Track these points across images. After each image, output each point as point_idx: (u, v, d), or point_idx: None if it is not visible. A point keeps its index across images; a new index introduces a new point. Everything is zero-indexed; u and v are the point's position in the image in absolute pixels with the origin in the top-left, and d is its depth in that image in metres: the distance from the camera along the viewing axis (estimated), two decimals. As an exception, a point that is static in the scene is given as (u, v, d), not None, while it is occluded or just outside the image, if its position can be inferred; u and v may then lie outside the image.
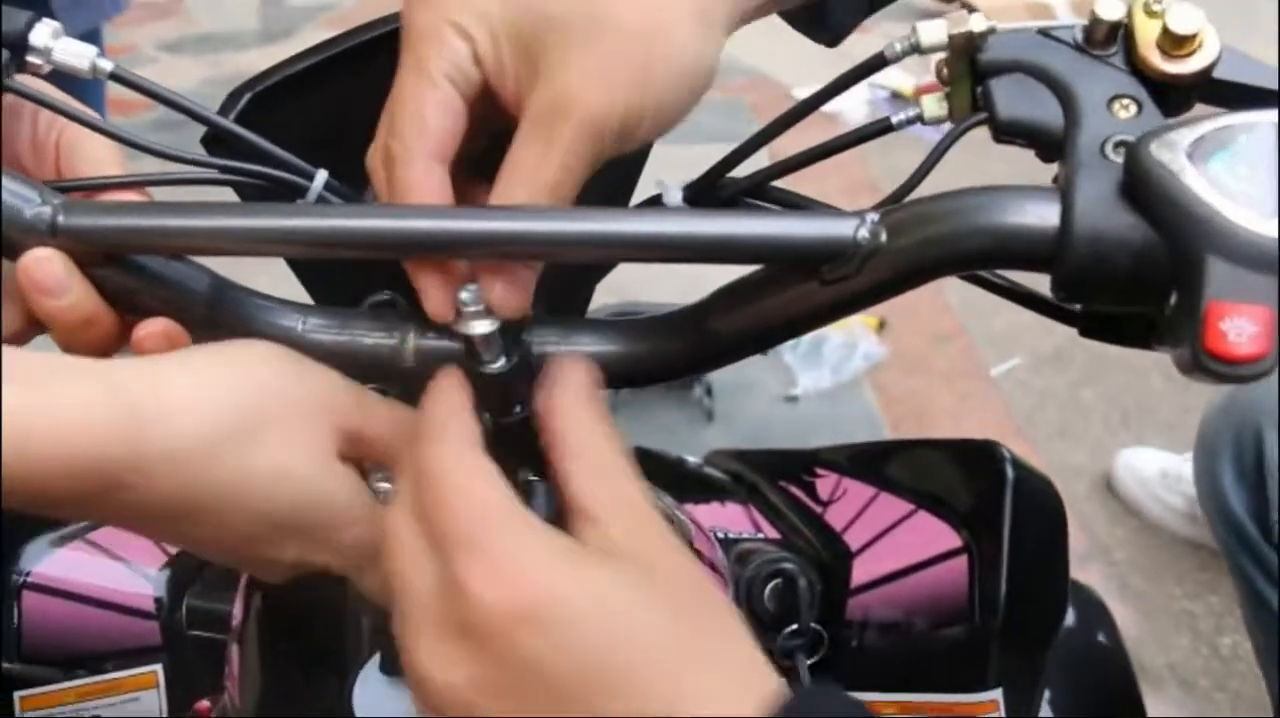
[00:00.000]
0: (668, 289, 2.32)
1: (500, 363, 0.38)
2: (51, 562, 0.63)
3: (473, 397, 0.38)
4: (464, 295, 0.37)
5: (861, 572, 0.61)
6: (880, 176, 2.66)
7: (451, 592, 0.32)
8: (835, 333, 2.22)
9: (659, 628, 0.32)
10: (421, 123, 0.38)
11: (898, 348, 2.26)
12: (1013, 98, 0.38)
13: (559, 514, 0.35)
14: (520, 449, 0.38)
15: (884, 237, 0.36)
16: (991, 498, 0.58)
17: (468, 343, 0.38)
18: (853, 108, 2.81)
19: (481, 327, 0.38)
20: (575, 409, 0.36)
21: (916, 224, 0.36)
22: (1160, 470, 1.76)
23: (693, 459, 0.85)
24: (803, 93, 0.43)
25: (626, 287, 1.94)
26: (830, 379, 2.18)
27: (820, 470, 0.71)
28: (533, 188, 0.37)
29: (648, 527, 0.34)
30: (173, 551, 0.68)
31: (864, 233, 0.36)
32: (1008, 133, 0.38)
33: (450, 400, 0.37)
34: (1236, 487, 1.04)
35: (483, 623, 0.31)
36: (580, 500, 0.34)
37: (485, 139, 0.40)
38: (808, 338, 2.17)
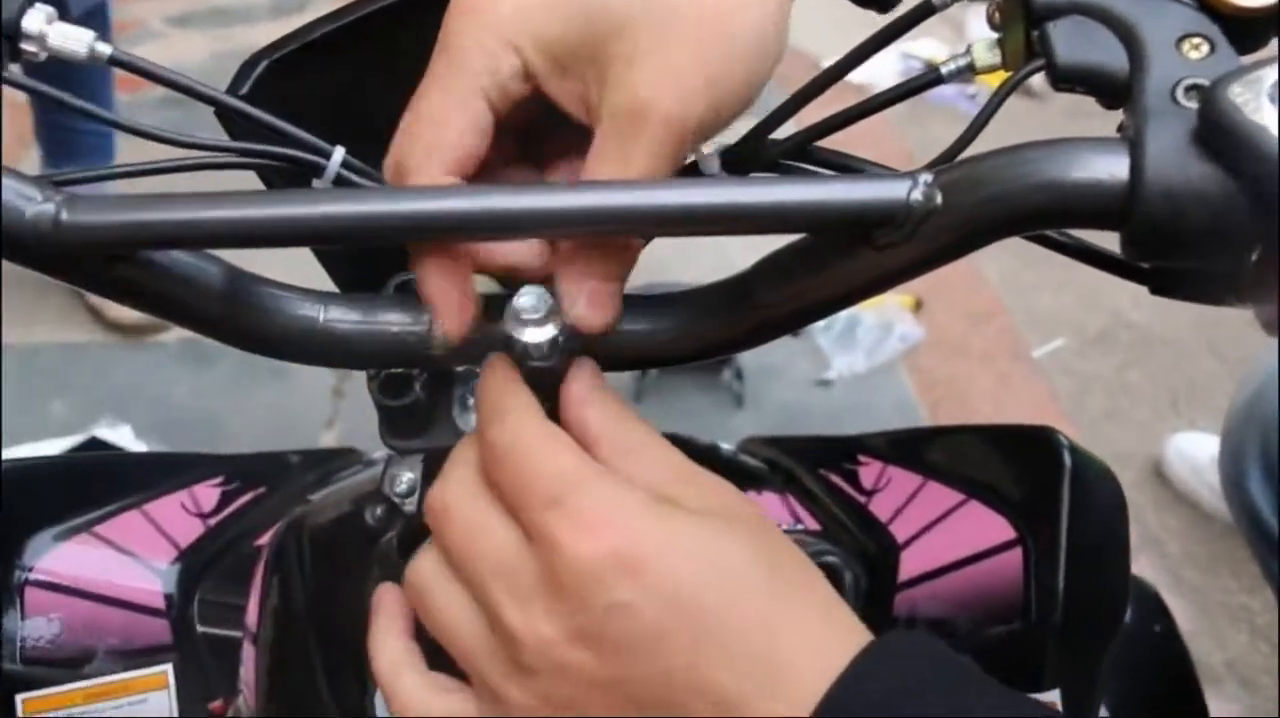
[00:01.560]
0: (697, 266, 2.31)
1: (552, 360, 0.38)
2: (55, 556, 0.63)
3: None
4: (522, 302, 0.37)
5: (909, 565, 0.59)
6: (917, 148, 2.63)
7: (539, 550, 0.34)
8: (870, 314, 2.21)
9: (750, 573, 0.33)
10: (443, 143, 0.37)
11: (935, 329, 2.24)
12: (1072, 41, 0.37)
13: None
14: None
15: (939, 198, 0.35)
16: (1048, 487, 0.56)
17: (516, 342, 0.38)
18: (885, 79, 2.78)
19: (538, 334, 0.37)
20: (608, 411, 0.38)
21: (973, 183, 0.35)
22: (1213, 456, 1.73)
23: (726, 446, 0.83)
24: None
25: (652, 265, 1.92)
26: (865, 362, 2.16)
27: (862, 458, 0.70)
28: None
29: (719, 486, 0.37)
30: (183, 543, 0.67)
31: (918, 194, 0.35)
32: (1068, 80, 0.37)
33: (504, 382, 0.38)
34: (1263, 487, 1.03)
35: (574, 574, 0.32)
36: (648, 485, 0.36)
37: (538, 129, 0.40)
38: (841, 318, 2.16)
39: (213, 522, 0.70)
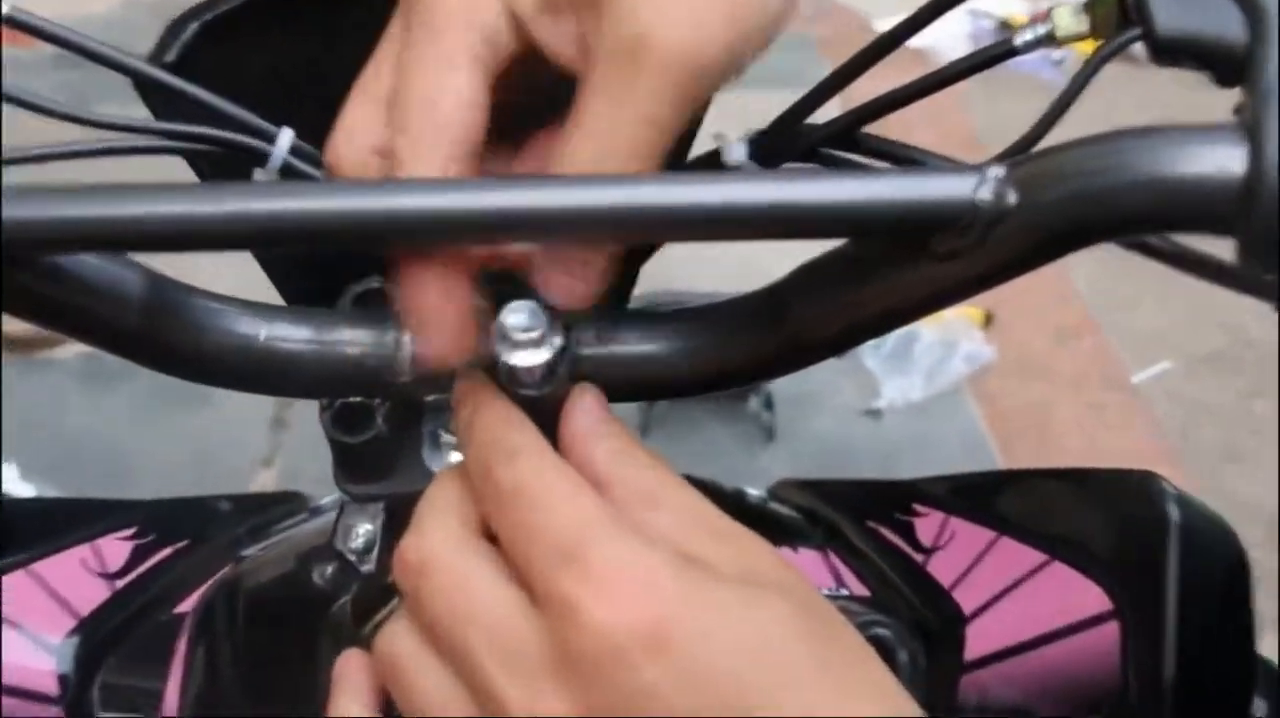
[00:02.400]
0: (714, 272, 2.32)
1: (546, 389, 0.39)
2: (-74, 629, 0.63)
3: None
4: (512, 319, 0.38)
5: (978, 641, 0.60)
6: (986, 129, 2.65)
7: (548, 616, 0.34)
8: (929, 329, 2.22)
9: (794, 652, 0.34)
10: (437, 118, 0.37)
11: (1010, 347, 2.25)
12: (1176, 6, 0.37)
13: None
14: None
15: (1012, 196, 0.35)
16: (1150, 546, 0.57)
17: (503, 366, 0.39)
18: (950, 43, 2.80)
19: (531, 357, 0.38)
20: (611, 444, 0.38)
21: (1054, 179, 0.35)
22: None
23: (754, 491, 0.84)
24: (884, 26, 0.43)
25: (662, 270, 1.93)
26: (923, 388, 2.17)
27: (920, 507, 0.70)
28: (605, 150, 0.37)
29: (754, 544, 0.37)
30: (83, 610, 0.68)
31: (986, 192, 0.35)
32: (1169, 52, 0.37)
33: (503, 413, 0.38)
34: None
35: (593, 647, 0.33)
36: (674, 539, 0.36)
37: (517, 107, 0.40)
38: (894, 335, 2.17)
39: (121, 584, 0.71)
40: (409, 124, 0.37)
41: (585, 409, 0.39)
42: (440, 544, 0.37)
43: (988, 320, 2.28)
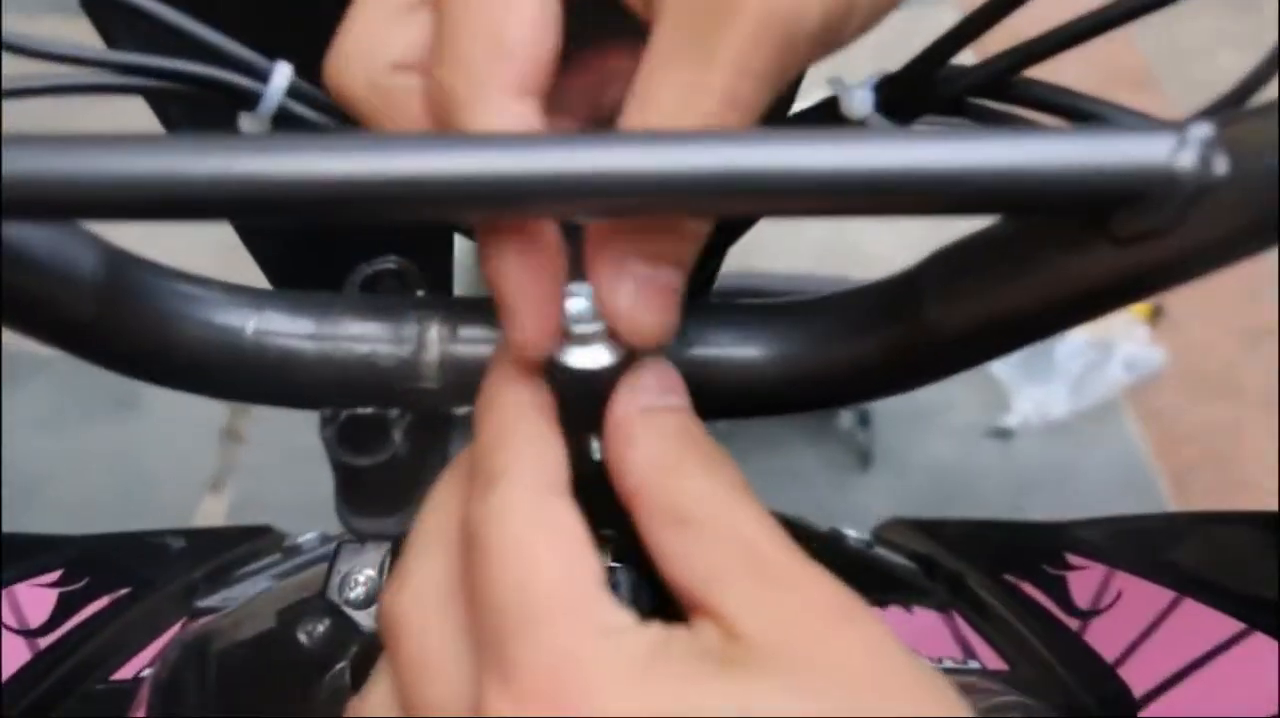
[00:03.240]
0: (800, 250, 2.31)
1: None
2: None
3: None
4: (571, 306, 0.38)
5: (1154, 733, 0.60)
6: (1157, 62, 2.62)
7: (479, 711, 0.34)
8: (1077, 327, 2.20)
9: None
10: (501, 46, 0.38)
11: (1184, 352, 2.23)
12: None
13: (662, 606, 0.37)
14: (603, 493, 0.39)
15: (1222, 164, 0.36)
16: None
17: (556, 365, 0.39)
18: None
19: (592, 357, 0.38)
20: (661, 445, 0.38)
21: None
22: None
23: (854, 533, 0.84)
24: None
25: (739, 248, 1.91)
26: (1068, 401, 2.16)
27: (1074, 558, 0.70)
28: (683, 120, 0.37)
29: (796, 598, 0.35)
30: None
31: (1189, 157, 0.36)
32: None
33: (505, 413, 0.39)
34: None
35: None
36: (686, 583, 0.36)
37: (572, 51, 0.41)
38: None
39: (44, 643, 0.72)
40: (467, 59, 0.38)
41: (639, 390, 0.39)
42: (413, 601, 0.38)
43: (1155, 316, 2.26)
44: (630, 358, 0.39)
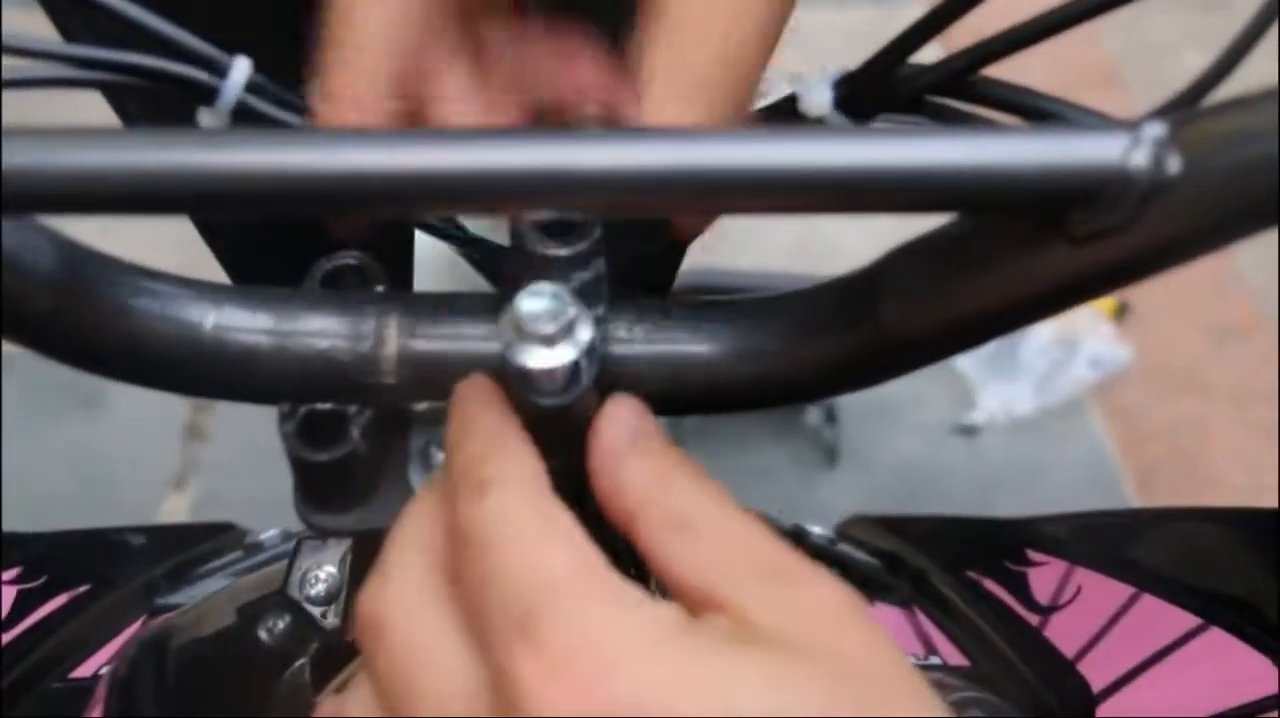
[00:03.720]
0: (772, 246, 2.31)
1: (569, 397, 0.39)
2: None
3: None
4: (528, 305, 0.38)
5: (1113, 728, 0.60)
6: (1122, 60, 2.63)
7: (501, 697, 0.35)
8: (1043, 323, 2.21)
9: None
10: (345, 48, 0.40)
11: (1150, 349, 2.24)
12: None
13: None
14: (576, 496, 0.39)
15: (1175, 163, 0.36)
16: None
17: (513, 366, 0.39)
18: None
19: (552, 357, 0.39)
20: (645, 466, 0.40)
21: (1232, 141, 0.36)
22: None
23: (819, 530, 0.85)
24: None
25: (707, 244, 1.91)
26: (1033, 399, 2.17)
27: (1035, 554, 0.71)
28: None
29: (803, 594, 0.36)
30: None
31: (1142, 156, 0.36)
32: None
33: (490, 422, 0.40)
34: None
35: None
36: (693, 582, 0.37)
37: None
38: (997, 331, 2.16)
39: (3, 640, 0.72)
40: (339, 43, 0.40)
41: (620, 422, 0.40)
42: (397, 597, 0.38)
43: (1121, 313, 2.27)
44: (586, 399, 0.40)
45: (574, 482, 0.40)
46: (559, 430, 0.40)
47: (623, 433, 0.40)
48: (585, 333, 0.39)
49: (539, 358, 0.39)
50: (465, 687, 0.36)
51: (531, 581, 0.35)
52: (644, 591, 0.36)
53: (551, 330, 0.38)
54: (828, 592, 0.36)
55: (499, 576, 0.36)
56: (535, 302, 0.38)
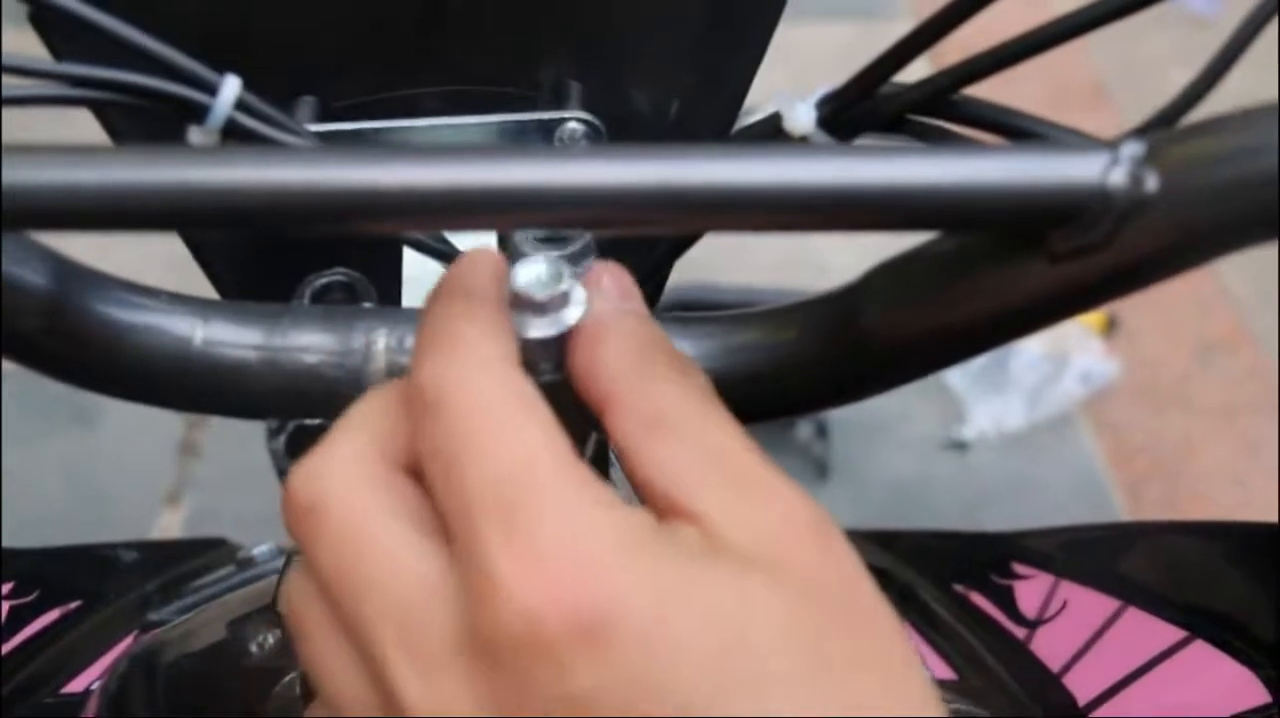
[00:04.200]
0: (758, 261, 2.32)
1: (558, 374, 0.39)
2: None
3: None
4: (525, 274, 0.38)
5: (1098, 742, 0.60)
6: (1112, 77, 2.64)
7: (468, 589, 0.33)
8: (1033, 338, 2.21)
9: (787, 646, 0.33)
10: None
11: (1138, 364, 2.25)
12: None
13: None
14: None
15: (1153, 181, 0.36)
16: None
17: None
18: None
19: (549, 324, 0.38)
20: (626, 347, 0.39)
21: (1209, 160, 0.36)
22: None
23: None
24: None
25: (694, 260, 1.90)
26: (1023, 414, 2.17)
27: (1021, 568, 0.71)
28: None
29: (772, 507, 0.36)
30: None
31: (1120, 175, 0.36)
32: None
33: (465, 291, 0.38)
34: None
35: (514, 637, 0.32)
36: (662, 486, 0.36)
37: None
38: (988, 346, 2.16)
39: (-4, 653, 0.72)
40: None
41: (601, 294, 0.40)
42: (339, 476, 0.36)
43: (1110, 328, 2.28)
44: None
45: None
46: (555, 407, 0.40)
47: (607, 302, 0.39)
48: (580, 298, 0.39)
49: (536, 326, 0.39)
50: (422, 574, 0.34)
51: (507, 460, 0.34)
52: (611, 489, 0.35)
53: (547, 296, 0.38)
54: (797, 505, 0.36)
55: (468, 448, 0.35)
56: (531, 268, 0.38)
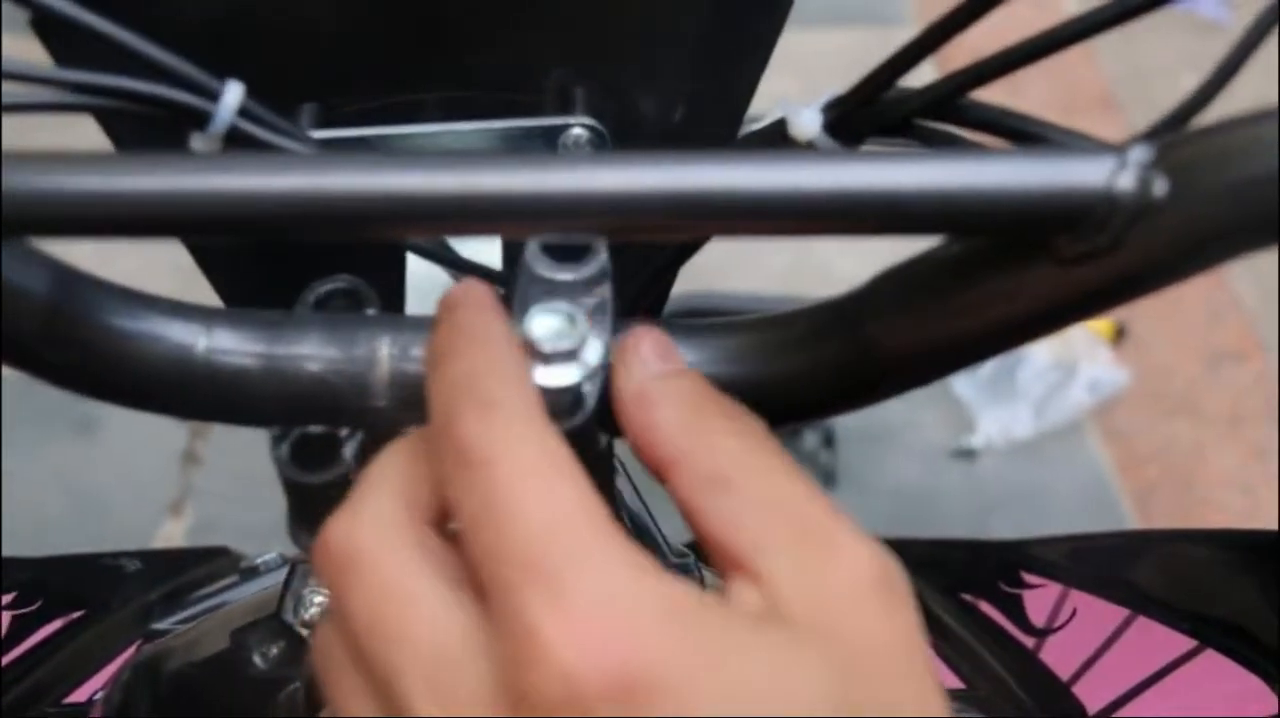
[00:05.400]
0: (763, 268, 2.32)
1: (580, 418, 0.40)
2: None
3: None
4: (538, 324, 0.38)
5: (1107, 751, 0.60)
6: (1120, 83, 2.64)
7: (505, 645, 0.33)
8: (1041, 346, 2.22)
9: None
10: None
11: (1147, 372, 2.24)
12: None
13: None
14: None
15: (1161, 186, 0.36)
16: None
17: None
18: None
19: (564, 374, 0.39)
20: (679, 408, 0.39)
21: (1218, 163, 0.36)
22: None
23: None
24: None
25: (700, 267, 1.90)
26: (1031, 422, 2.17)
27: (1030, 577, 0.71)
28: None
29: (839, 564, 0.36)
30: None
31: (1128, 179, 0.36)
32: None
33: (487, 342, 0.38)
34: None
35: (549, 694, 0.32)
36: (728, 545, 0.36)
37: None
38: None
39: (-2, 663, 0.72)
40: None
41: (643, 362, 0.40)
42: (373, 533, 0.37)
43: (1118, 336, 2.28)
44: (595, 375, 0.40)
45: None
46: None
47: (649, 372, 0.40)
48: (595, 353, 0.39)
49: (551, 374, 0.39)
50: (454, 628, 0.35)
51: (549, 521, 0.34)
52: (649, 556, 0.35)
53: (563, 347, 0.39)
54: (864, 560, 0.36)
55: (509, 508, 0.35)
56: (544, 319, 0.39)
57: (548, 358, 0.39)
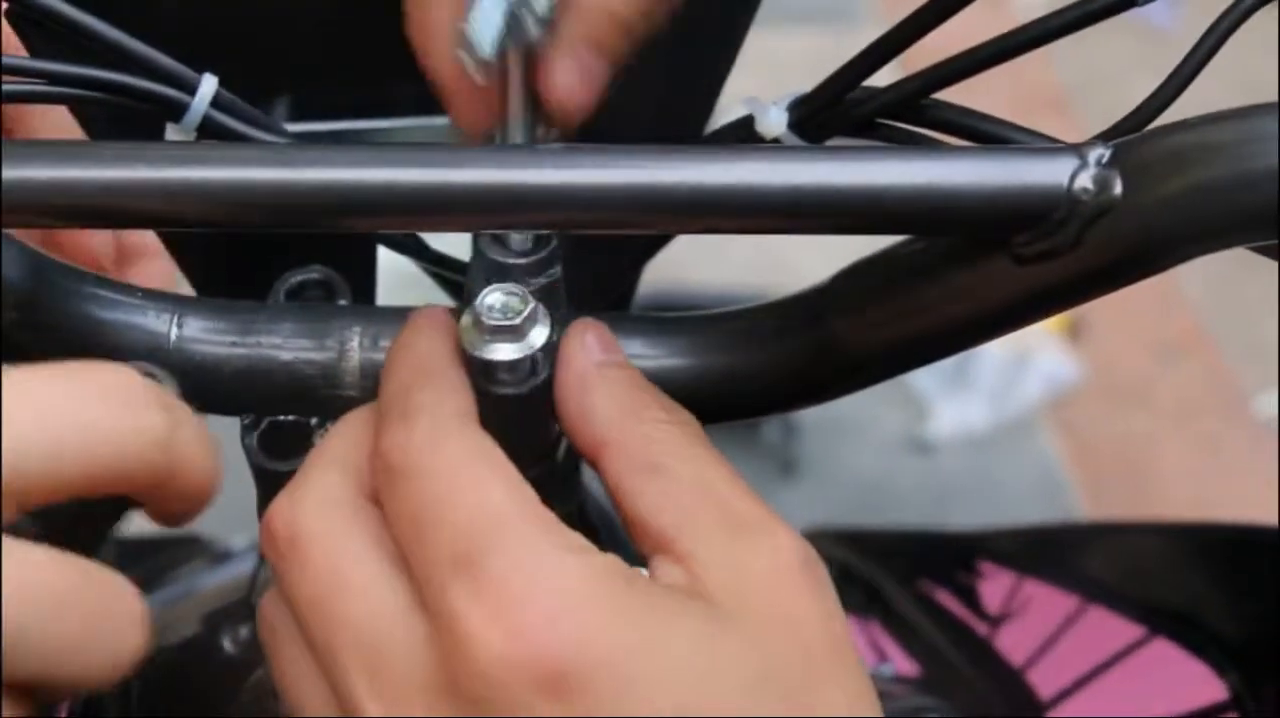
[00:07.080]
0: (730, 264, 2.32)
1: (528, 386, 0.39)
2: None
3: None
4: (490, 300, 0.38)
5: (1059, 736, 0.60)
6: (1074, 86, 2.65)
7: (437, 631, 0.34)
8: (997, 341, 2.22)
9: (744, 704, 0.33)
10: None
11: (1100, 365, 2.25)
12: None
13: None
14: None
15: (1118, 186, 0.36)
16: (1277, 622, 0.58)
17: (475, 360, 0.39)
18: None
19: (513, 349, 0.39)
20: (616, 394, 0.39)
21: (1173, 164, 0.36)
22: None
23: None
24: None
25: (668, 262, 1.90)
26: (987, 414, 2.18)
27: (984, 565, 0.71)
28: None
29: (761, 549, 0.36)
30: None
31: (1086, 179, 0.36)
32: None
33: (420, 356, 0.39)
34: None
35: (480, 681, 0.33)
36: (655, 526, 0.37)
37: None
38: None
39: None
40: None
41: (585, 349, 0.40)
42: (316, 512, 0.37)
43: (1072, 331, 2.29)
44: (548, 347, 0.40)
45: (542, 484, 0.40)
46: (520, 414, 0.40)
47: (591, 359, 0.40)
48: (543, 327, 0.39)
49: (500, 349, 0.39)
50: (392, 610, 0.35)
51: (471, 515, 0.35)
52: (579, 535, 0.35)
53: (512, 321, 0.38)
54: (785, 545, 0.36)
55: (433, 509, 0.35)
56: (495, 297, 0.39)
57: (493, 332, 0.39)
